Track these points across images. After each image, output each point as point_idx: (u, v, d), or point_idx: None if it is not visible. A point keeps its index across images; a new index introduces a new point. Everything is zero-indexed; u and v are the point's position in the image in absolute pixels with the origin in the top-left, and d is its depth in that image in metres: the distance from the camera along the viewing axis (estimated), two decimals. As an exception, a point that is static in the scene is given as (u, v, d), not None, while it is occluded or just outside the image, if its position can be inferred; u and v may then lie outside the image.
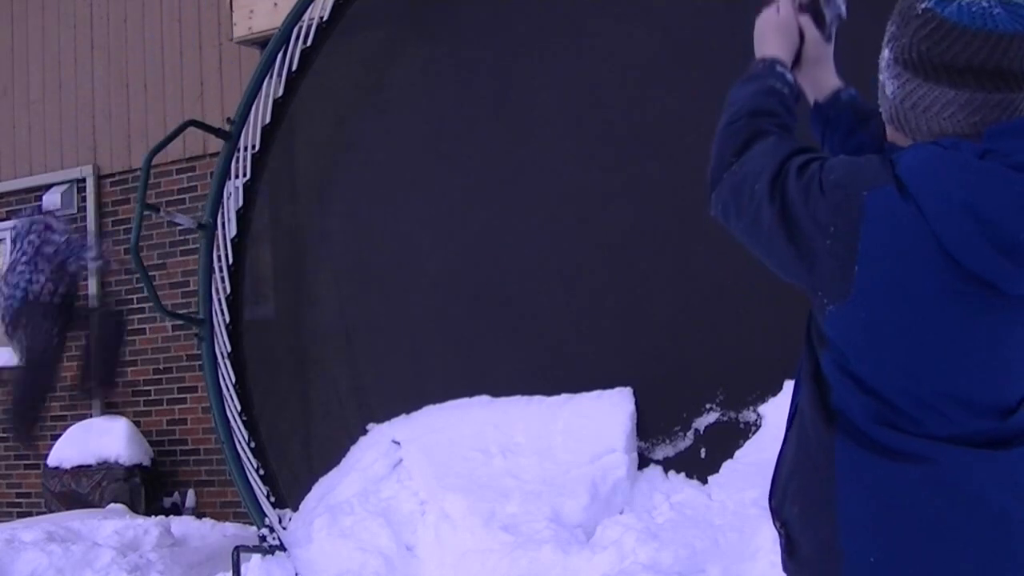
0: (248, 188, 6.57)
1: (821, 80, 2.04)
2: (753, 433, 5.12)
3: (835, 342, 1.66)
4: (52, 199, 9.48)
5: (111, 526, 6.94)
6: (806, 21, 1.99)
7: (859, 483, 1.62)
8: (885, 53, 1.70)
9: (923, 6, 1.63)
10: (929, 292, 1.57)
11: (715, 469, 5.09)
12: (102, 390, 8.26)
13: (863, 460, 1.62)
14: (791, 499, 1.72)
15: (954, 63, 1.61)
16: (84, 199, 9.35)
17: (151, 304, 6.74)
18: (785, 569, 1.76)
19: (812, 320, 1.75)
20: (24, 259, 6.80)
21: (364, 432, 6.06)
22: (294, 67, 6.45)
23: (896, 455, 1.60)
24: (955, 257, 1.55)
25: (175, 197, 8.65)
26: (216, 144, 6.97)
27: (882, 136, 1.81)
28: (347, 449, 6.02)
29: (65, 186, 9.45)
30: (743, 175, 1.74)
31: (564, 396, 5.54)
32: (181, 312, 7.46)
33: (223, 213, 6.47)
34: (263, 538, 5.77)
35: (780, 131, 1.79)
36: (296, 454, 6.47)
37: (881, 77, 1.72)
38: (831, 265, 1.61)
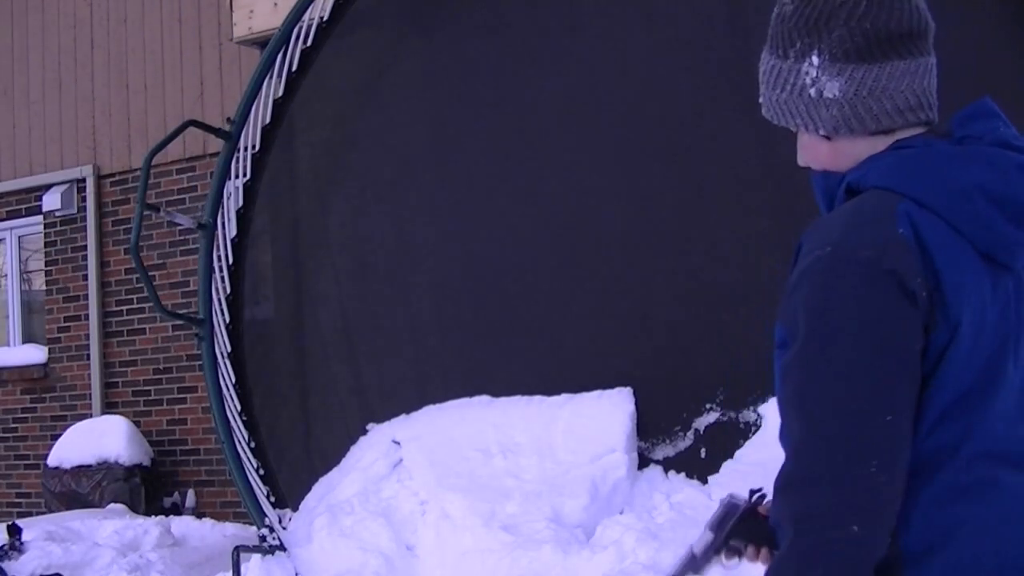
0: (248, 188, 6.57)
1: None
2: (753, 433, 5.12)
3: (928, 378, 1.56)
4: (52, 199, 9.48)
5: (111, 526, 6.94)
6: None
7: (928, 531, 1.54)
8: (813, 61, 1.65)
9: None
10: (972, 283, 1.57)
11: (715, 469, 5.09)
12: None
13: (936, 503, 1.54)
14: None
15: (897, 31, 1.63)
16: (84, 199, 9.35)
17: (151, 304, 6.74)
18: None
19: None
20: None
21: (364, 432, 6.06)
22: (294, 67, 6.45)
23: (964, 489, 1.54)
24: (975, 244, 1.57)
25: (175, 197, 8.65)
26: (216, 144, 6.97)
27: None
28: (347, 449, 6.02)
29: (65, 186, 9.46)
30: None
31: (564, 396, 5.54)
32: (181, 312, 7.46)
33: (223, 213, 6.47)
34: (263, 538, 5.77)
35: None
36: (296, 454, 6.47)
37: (811, 92, 1.66)
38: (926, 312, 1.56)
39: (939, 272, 1.53)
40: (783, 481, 1.54)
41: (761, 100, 1.76)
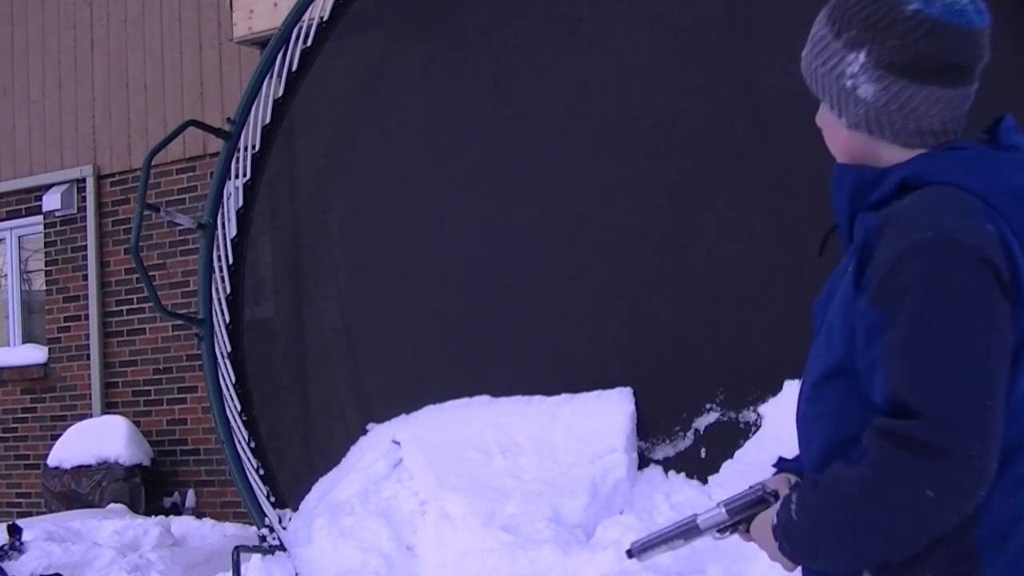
0: (248, 188, 6.57)
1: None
2: (753, 433, 5.12)
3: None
4: (52, 199, 9.48)
5: (111, 526, 6.94)
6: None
7: (1003, 521, 1.57)
8: (860, 57, 1.67)
9: (912, 8, 1.63)
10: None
11: (715, 469, 5.09)
12: None
13: (1008, 493, 1.57)
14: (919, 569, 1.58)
15: (949, 61, 1.64)
16: (84, 199, 9.35)
17: (151, 304, 6.74)
18: None
19: None
20: None
21: (364, 432, 6.06)
22: (294, 67, 6.45)
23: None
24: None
25: (175, 197, 8.65)
26: (216, 144, 6.97)
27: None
28: (347, 449, 6.02)
29: (65, 186, 9.46)
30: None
31: (564, 396, 5.54)
32: (181, 312, 7.47)
33: (223, 213, 6.47)
34: (263, 538, 5.77)
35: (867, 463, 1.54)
36: (296, 454, 6.47)
37: (847, 83, 1.69)
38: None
39: (1019, 269, 1.55)
40: (888, 429, 1.51)
41: (803, 55, 1.77)
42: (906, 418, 1.49)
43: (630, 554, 1.89)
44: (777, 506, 1.66)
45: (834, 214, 1.75)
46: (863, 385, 1.59)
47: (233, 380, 6.33)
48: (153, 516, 7.61)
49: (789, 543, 1.62)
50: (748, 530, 1.79)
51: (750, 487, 1.80)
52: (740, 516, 1.77)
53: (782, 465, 1.86)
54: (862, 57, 1.67)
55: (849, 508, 1.53)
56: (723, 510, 1.78)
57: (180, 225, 7.31)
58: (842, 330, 1.63)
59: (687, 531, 1.82)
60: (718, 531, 1.80)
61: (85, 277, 9.31)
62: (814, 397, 1.70)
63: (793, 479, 1.80)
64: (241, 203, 6.54)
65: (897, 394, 1.51)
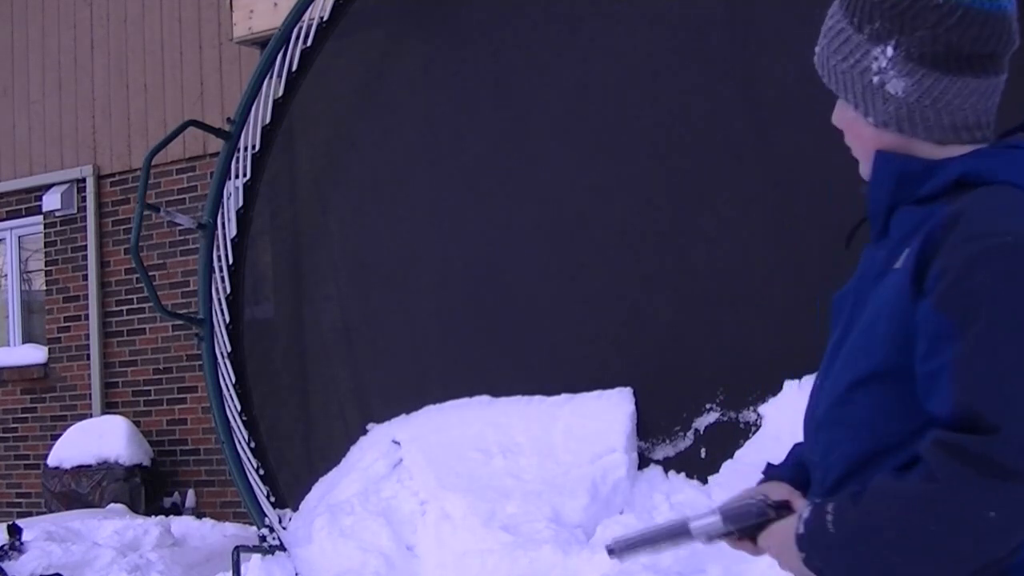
0: (248, 188, 6.58)
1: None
2: (753, 433, 5.12)
3: None
4: (52, 199, 9.49)
5: (111, 526, 6.95)
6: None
7: None
8: (887, 51, 1.55)
9: None
10: None
11: (715, 469, 5.10)
12: None
13: None
14: None
15: (982, 50, 1.55)
16: (84, 199, 9.35)
17: (151, 304, 6.74)
18: None
19: None
20: None
21: (364, 432, 6.06)
22: (294, 67, 6.45)
23: None
24: None
25: (175, 197, 8.66)
26: (216, 144, 6.97)
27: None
28: (347, 449, 6.02)
29: (65, 186, 9.46)
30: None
31: (564, 396, 5.54)
32: (181, 312, 7.47)
33: (223, 213, 6.47)
34: (263, 538, 5.78)
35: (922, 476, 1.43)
36: (296, 454, 6.47)
37: (873, 79, 1.57)
38: None
39: None
40: (955, 444, 1.40)
41: (817, 50, 1.66)
42: (976, 433, 1.38)
43: (611, 552, 1.77)
44: (806, 514, 1.54)
45: (869, 204, 1.64)
46: (919, 392, 1.47)
47: (233, 380, 6.33)
48: (153, 516, 7.62)
49: (819, 556, 1.51)
50: (740, 538, 1.69)
51: (751, 497, 1.70)
52: (736, 527, 1.68)
53: (771, 472, 1.78)
54: (889, 50, 1.55)
55: (900, 524, 1.41)
56: (719, 519, 1.69)
57: (180, 225, 7.31)
58: (888, 331, 1.50)
59: (676, 535, 1.72)
60: (707, 536, 1.71)
61: (85, 277, 9.31)
62: (844, 400, 1.57)
63: (787, 488, 1.70)
64: (241, 203, 6.54)
65: (968, 407, 1.40)
